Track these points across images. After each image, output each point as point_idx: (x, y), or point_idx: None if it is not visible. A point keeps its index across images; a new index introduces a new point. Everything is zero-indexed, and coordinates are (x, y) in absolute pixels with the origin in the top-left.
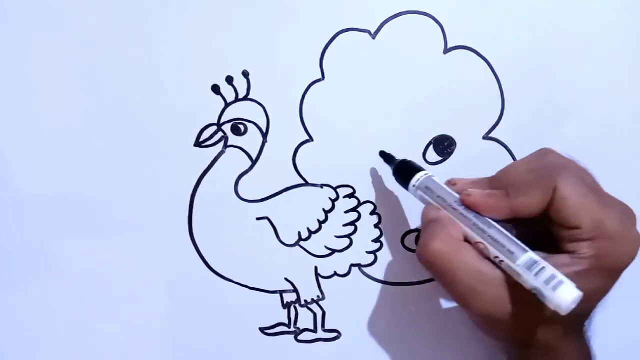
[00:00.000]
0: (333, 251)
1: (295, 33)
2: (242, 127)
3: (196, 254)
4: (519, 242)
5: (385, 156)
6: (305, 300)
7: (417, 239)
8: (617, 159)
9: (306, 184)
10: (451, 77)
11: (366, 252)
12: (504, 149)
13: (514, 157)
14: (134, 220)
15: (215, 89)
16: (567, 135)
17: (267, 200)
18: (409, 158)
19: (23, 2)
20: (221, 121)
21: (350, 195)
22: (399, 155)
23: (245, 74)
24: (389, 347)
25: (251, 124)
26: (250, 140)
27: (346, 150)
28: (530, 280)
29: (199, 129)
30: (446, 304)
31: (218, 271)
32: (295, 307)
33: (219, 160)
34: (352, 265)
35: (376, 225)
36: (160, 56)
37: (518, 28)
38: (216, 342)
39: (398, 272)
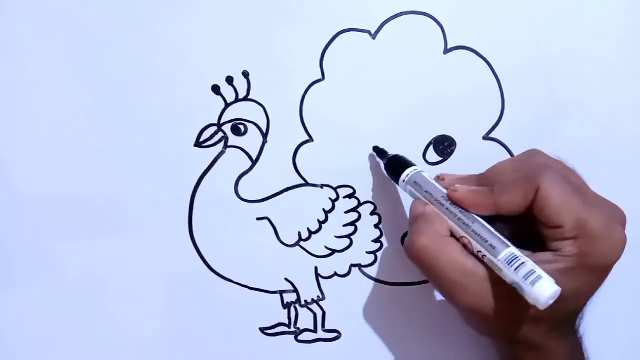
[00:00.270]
0: (333, 251)
1: (295, 33)
2: (242, 127)
3: (196, 254)
4: (502, 237)
5: (378, 151)
6: (305, 301)
7: None
8: (617, 159)
9: (306, 184)
10: (451, 77)
11: (366, 252)
12: (504, 149)
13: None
14: (134, 220)
15: (216, 89)
16: (567, 135)
17: (267, 201)
18: (408, 157)
19: (23, 1)
20: (221, 121)
21: (351, 196)
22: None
23: (245, 74)
24: (389, 347)
25: (251, 124)
26: (251, 140)
27: (346, 150)
28: (510, 274)
29: (199, 129)
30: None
31: (218, 271)
32: (295, 307)
33: (219, 160)
34: (352, 265)
35: (376, 226)
36: (160, 56)
37: (518, 28)
38: (216, 342)
39: (398, 272)
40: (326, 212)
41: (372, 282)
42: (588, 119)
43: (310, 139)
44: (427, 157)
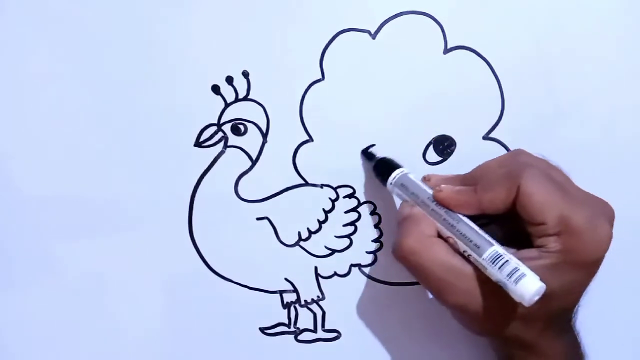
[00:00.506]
0: (333, 251)
1: (295, 33)
2: (242, 127)
3: (196, 254)
4: (487, 236)
5: (367, 154)
6: (305, 301)
7: None
8: (617, 159)
9: (306, 184)
10: (451, 77)
11: (366, 252)
12: (504, 149)
13: None
14: (134, 220)
15: (216, 89)
16: (567, 135)
17: (267, 201)
18: (408, 157)
19: (23, 1)
20: (221, 121)
21: (351, 196)
22: (398, 155)
23: (245, 74)
24: (389, 347)
25: (251, 124)
26: (251, 140)
27: (346, 150)
28: (494, 273)
29: (199, 129)
30: None
31: (218, 271)
32: (295, 307)
33: (219, 160)
34: (352, 265)
35: (376, 226)
36: (160, 56)
37: (518, 28)
38: (216, 342)
39: (398, 272)
40: (326, 212)
41: (372, 282)
42: (588, 119)
43: (310, 139)
44: (427, 157)
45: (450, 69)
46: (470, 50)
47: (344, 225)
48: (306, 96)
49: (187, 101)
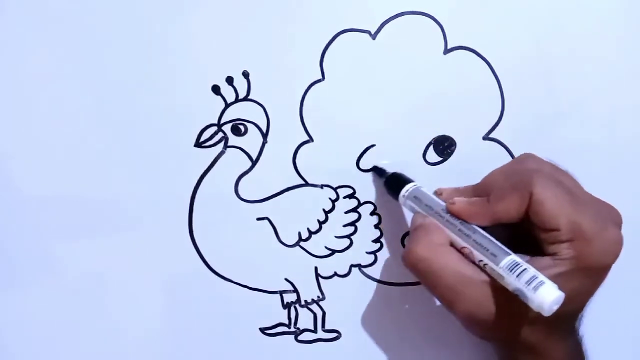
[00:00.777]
0: (333, 251)
1: (295, 33)
2: (242, 127)
3: (196, 254)
4: (502, 246)
5: (378, 170)
6: (305, 301)
7: None
8: (617, 159)
9: (306, 184)
10: (451, 77)
11: (366, 252)
12: (504, 149)
13: (513, 158)
14: (134, 220)
15: (216, 89)
16: (567, 135)
17: (268, 201)
18: (408, 157)
19: (23, 1)
20: (221, 122)
21: (351, 196)
22: (398, 155)
23: (245, 74)
24: (389, 347)
25: (251, 125)
26: (251, 140)
27: (346, 150)
28: (512, 281)
29: (199, 130)
30: None
31: (218, 271)
32: (295, 308)
33: (219, 160)
34: (352, 265)
35: (376, 226)
36: (160, 56)
37: (518, 28)
38: (216, 342)
39: (398, 272)
40: (326, 213)
41: (372, 282)
42: (588, 119)
43: (311, 139)
44: (427, 157)
45: (450, 69)
46: (470, 51)
47: (344, 226)
48: (306, 96)
49: (187, 101)
